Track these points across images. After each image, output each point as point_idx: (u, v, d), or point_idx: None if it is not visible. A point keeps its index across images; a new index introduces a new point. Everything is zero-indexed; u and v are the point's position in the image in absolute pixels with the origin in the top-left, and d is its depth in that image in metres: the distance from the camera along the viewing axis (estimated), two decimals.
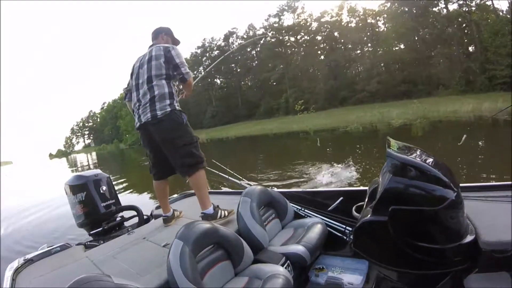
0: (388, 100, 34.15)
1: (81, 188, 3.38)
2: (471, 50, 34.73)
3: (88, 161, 46.46)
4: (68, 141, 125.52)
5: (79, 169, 32.17)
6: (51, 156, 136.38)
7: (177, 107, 2.60)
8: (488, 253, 1.41)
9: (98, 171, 3.70)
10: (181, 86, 2.88)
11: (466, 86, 29.55)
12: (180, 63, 2.64)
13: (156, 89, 2.54)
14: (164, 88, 2.56)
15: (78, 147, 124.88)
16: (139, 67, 2.67)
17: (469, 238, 1.48)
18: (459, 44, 34.90)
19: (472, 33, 33.44)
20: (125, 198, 6.75)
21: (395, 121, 19.64)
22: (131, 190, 11.00)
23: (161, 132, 2.55)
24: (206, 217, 2.62)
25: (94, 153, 73.35)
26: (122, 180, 14.46)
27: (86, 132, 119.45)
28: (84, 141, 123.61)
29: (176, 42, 2.94)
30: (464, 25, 35.38)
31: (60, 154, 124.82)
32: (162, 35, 2.87)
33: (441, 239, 1.52)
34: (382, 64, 43.43)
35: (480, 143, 9.69)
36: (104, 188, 3.51)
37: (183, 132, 2.59)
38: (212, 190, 3.68)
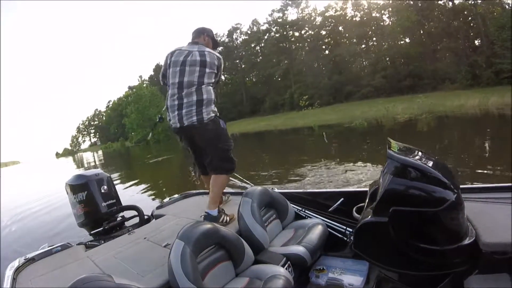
0: (393, 95, 34.05)
1: (82, 187, 3.35)
2: (477, 44, 34.38)
3: (94, 159, 46.68)
4: (74, 139, 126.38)
5: (86, 167, 32.30)
6: (58, 155, 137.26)
7: (217, 113, 2.72)
8: (488, 254, 1.42)
9: (99, 170, 3.66)
10: None
11: (472, 80, 29.25)
12: (220, 71, 2.82)
13: (205, 93, 2.59)
14: (211, 94, 2.65)
15: (85, 145, 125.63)
16: (184, 63, 2.64)
17: (469, 239, 1.48)
18: (465, 38, 34.60)
19: (478, 27, 33.07)
20: (126, 198, 6.78)
21: (401, 116, 19.49)
22: (134, 188, 10.98)
23: (205, 136, 2.67)
24: (208, 217, 2.64)
25: (100, 151, 73.56)
26: (126, 178, 14.20)
27: (92, 131, 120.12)
28: (90, 140, 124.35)
29: (216, 45, 3.01)
30: (470, 18, 35.01)
31: (66, 153, 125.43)
32: (205, 35, 2.89)
33: (441, 241, 1.52)
34: (387, 59, 43.15)
35: (486, 139, 9.59)
36: (105, 187, 3.47)
37: (225, 137, 2.75)
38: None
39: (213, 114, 2.65)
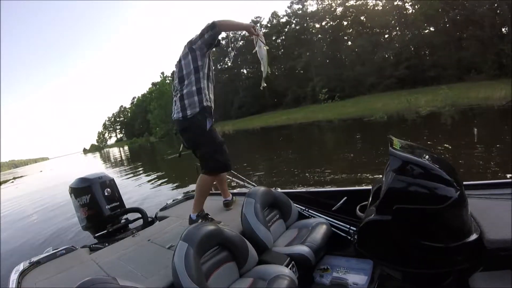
0: (417, 86, 33.02)
1: (85, 191, 3.41)
2: (504, 32, 32.84)
3: (120, 154, 47.75)
4: (101, 136, 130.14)
5: (112, 162, 33.10)
6: (85, 151, 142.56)
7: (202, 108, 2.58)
8: (493, 251, 1.42)
9: (103, 173, 3.74)
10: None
11: (499, 70, 28.01)
12: (198, 35, 2.59)
13: (189, 85, 2.57)
14: (194, 84, 2.58)
15: (111, 141, 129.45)
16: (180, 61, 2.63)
17: (473, 236, 1.48)
18: (491, 26, 33.17)
19: (505, 14, 31.72)
20: (130, 200, 6.82)
21: (423, 109, 18.87)
22: (146, 187, 11.22)
23: (188, 139, 2.74)
24: (189, 220, 2.72)
25: (126, 147, 74.92)
26: (140, 176, 14.75)
27: (118, 127, 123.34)
28: (116, 136, 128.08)
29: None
30: (495, 5, 33.59)
31: (93, 148, 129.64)
32: None
33: (445, 238, 1.52)
34: (411, 48, 41.89)
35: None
36: (109, 190, 3.55)
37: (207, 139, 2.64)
38: (215, 192, 3.69)
39: (198, 109, 2.55)
